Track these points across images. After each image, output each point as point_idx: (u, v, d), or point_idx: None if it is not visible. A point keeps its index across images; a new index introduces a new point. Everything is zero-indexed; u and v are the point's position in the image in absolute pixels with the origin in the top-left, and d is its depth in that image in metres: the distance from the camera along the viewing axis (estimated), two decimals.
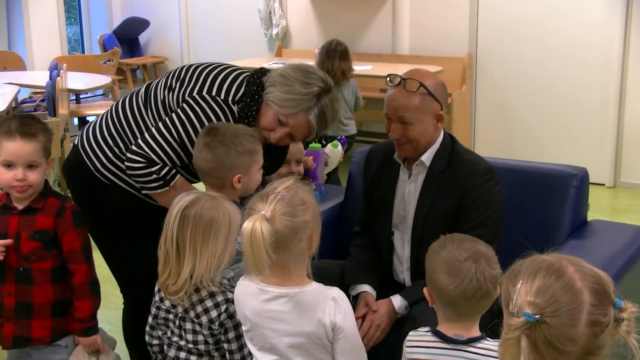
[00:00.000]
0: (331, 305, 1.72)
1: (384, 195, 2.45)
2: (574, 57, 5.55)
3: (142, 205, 2.34)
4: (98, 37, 8.66)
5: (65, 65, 5.73)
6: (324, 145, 3.43)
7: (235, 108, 2.25)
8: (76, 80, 5.94)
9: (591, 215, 2.73)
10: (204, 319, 1.89)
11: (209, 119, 2.22)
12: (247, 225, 1.67)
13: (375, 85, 6.14)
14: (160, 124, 2.24)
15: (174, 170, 2.23)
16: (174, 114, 2.24)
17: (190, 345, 1.94)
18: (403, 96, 2.27)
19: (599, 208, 4.74)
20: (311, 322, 1.73)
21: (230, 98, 2.25)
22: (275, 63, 6.15)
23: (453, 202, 2.29)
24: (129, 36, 8.49)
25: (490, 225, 2.27)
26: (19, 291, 2.19)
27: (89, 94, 7.68)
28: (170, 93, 2.29)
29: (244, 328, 1.85)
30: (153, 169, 2.20)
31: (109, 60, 7.75)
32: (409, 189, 2.39)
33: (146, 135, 2.24)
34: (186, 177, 2.31)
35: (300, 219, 1.71)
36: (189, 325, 1.93)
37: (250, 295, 1.79)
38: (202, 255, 1.86)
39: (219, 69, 2.32)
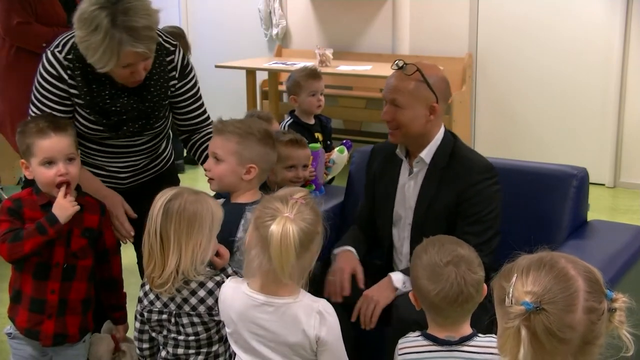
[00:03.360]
0: (316, 319, 1.73)
1: (385, 191, 2.47)
2: (574, 56, 5.54)
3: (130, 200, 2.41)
4: None
5: None
6: (329, 150, 3.46)
7: (61, 57, 2.29)
8: None
9: (591, 215, 2.73)
10: (202, 308, 1.90)
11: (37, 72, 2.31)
12: (275, 227, 1.65)
13: (375, 85, 6.13)
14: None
15: None
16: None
17: (191, 338, 1.94)
18: (399, 78, 2.31)
19: (599, 208, 4.74)
20: (295, 334, 1.73)
21: (58, 50, 2.31)
22: (275, 63, 6.15)
23: (452, 199, 2.30)
24: None
25: (488, 222, 2.29)
26: (62, 288, 2.22)
27: None
28: None
29: (227, 330, 1.84)
30: None
31: None
32: (409, 185, 2.41)
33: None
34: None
35: (316, 229, 1.72)
36: (185, 320, 1.93)
37: (238, 298, 1.79)
38: (187, 248, 1.87)
39: None
